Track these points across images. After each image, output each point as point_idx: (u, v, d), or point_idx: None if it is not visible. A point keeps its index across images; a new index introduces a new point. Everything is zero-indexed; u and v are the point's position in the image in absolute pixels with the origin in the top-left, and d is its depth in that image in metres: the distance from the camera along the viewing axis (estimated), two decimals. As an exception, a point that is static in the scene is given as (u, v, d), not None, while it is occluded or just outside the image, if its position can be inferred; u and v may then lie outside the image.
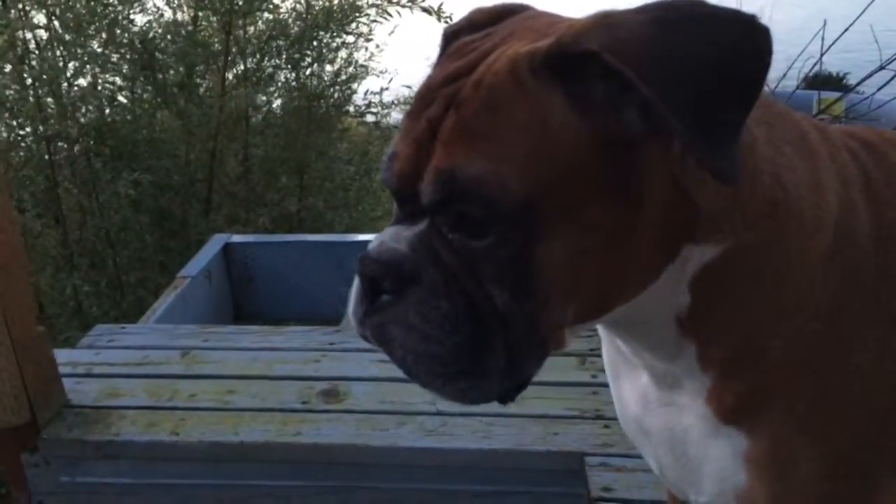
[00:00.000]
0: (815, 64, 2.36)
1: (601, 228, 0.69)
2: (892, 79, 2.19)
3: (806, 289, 0.77)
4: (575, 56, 0.65)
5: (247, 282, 3.35)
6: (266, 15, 4.84)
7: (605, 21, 0.65)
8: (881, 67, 2.18)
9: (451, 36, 0.81)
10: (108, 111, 4.40)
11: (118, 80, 4.54)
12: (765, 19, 0.65)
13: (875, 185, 0.80)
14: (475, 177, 0.66)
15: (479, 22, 0.80)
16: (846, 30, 2.18)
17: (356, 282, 0.77)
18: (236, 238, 3.43)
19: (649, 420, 0.91)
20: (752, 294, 0.77)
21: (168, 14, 4.65)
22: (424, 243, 0.72)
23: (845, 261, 0.77)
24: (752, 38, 0.63)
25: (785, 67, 2.65)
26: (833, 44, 2.19)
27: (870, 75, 2.31)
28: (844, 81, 7.06)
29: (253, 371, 2.22)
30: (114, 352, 2.35)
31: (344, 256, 3.25)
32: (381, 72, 5.45)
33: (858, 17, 2.10)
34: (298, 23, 4.93)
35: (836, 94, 3.29)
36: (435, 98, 0.71)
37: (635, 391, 0.93)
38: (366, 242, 2.87)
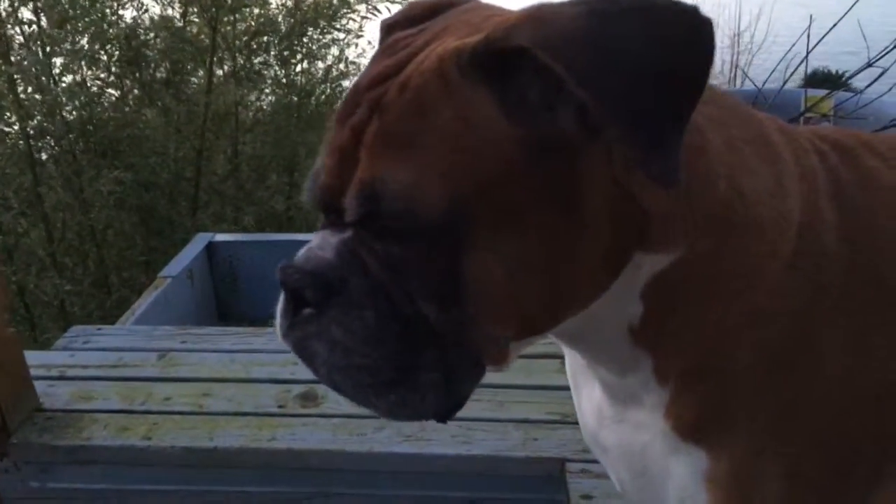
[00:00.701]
0: (801, 62, 2.31)
1: (538, 238, 0.64)
2: (879, 76, 2.14)
3: (767, 298, 0.72)
4: (505, 53, 0.60)
5: (230, 281, 3.30)
6: (255, 10, 4.79)
7: (537, 14, 0.59)
8: (868, 65, 2.13)
9: (387, 30, 0.75)
10: (94, 108, 4.36)
11: (105, 77, 4.51)
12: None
13: (845, 189, 0.76)
14: (396, 189, 0.61)
15: (415, 16, 0.74)
16: (833, 27, 2.13)
17: (281, 293, 0.72)
18: (220, 237, 3.38)
19: (604, 435, 0.87)
20: (708, 304, 0.72)
21: (155, 10, 4.60)
22: (350, 250, 0.67)
23: (811, 269, 0.72)
24: (695, 31, 0.57)
25: (788, 66, 2.58)
26: (818, 42, 2.14)
27: (857, 72, 2.26)
28: (844, 79, 7.00)
29: (230, 374, 2.17)
30: (89, 353, 2.30)
31: (330, 256, 3.20)
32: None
33: (845, 15, 2.05)
34: (289, 19, 4.89)
35: (823, 92, 3.24)
36: (360, 102, 0.66)
37: (591, 404, 0.89)
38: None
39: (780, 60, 2.40)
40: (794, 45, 2.26)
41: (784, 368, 0.73)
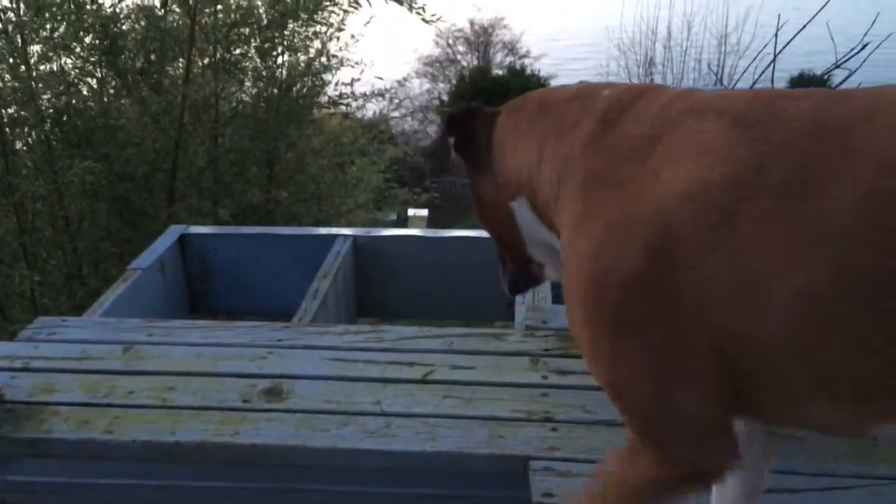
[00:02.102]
0: (769, 65, 2.31)
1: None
2: (847, 77, 2.14)
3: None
4: None
5: (203, 274, 3.27)
6: (238, 1, 4.75)
7: None
8: (836, 66, 2.13)
9: None
10: (71, 97, 4.31)
11: (83, 66, 4.46)
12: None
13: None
14: None
15: None
16: (802, 28, 2.13)
17: None
18: (193, 229, 3.33)
19: None
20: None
21: (132, -1, 4.56)
22: None
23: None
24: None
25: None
26: (786, 45, 2.13)
27: (826, 73, 2.26)
28: (829, 83, 7.03)
29: (195, 368, 2.15)
30: (53, 345, 2.27)
31: (304, 250, 3.19)
32: (356, 63, 5.38)
33: (813, 18, 2.06)
34: (272, 12, 4.85)
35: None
36: None
37: None
38: (326, 236, 2.79)
39: (751, 63, 2.41)
40: (764, 47, 2.26)
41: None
